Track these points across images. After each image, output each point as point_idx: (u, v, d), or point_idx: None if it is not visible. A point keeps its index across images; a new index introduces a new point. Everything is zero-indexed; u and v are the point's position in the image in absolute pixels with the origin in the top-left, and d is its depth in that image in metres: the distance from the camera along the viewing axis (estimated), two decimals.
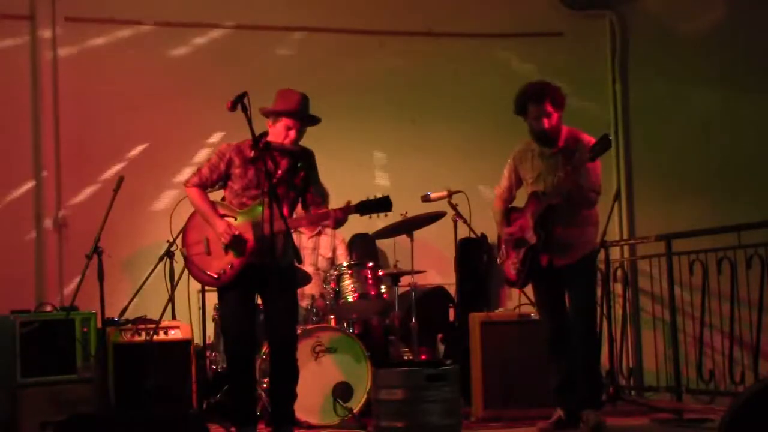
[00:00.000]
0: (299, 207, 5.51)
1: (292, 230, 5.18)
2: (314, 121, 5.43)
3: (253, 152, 5.26)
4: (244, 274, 5.23)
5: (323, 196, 5.48)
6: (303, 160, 5.37)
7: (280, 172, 5.29)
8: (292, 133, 5.31)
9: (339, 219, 5.24)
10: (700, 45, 8.17)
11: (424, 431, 5.23)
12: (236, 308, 5.30)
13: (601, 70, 8.71)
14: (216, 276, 5.28)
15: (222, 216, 5.29)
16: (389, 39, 8.36)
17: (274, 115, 5.33)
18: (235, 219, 5.29)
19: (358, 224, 7.61)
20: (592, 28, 8.75)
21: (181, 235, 5.59)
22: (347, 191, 7.54)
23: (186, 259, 5.48)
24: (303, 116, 5.34)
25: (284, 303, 5.30)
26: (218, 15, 8.00)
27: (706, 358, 7.08)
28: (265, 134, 5.27)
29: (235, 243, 5.21)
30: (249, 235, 5.21)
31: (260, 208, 5.17)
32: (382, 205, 5.23)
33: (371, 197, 5.24)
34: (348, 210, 5.22)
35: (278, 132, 5.31)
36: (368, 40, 8.31)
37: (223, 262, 5.25)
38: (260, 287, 5.33)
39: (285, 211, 5.15)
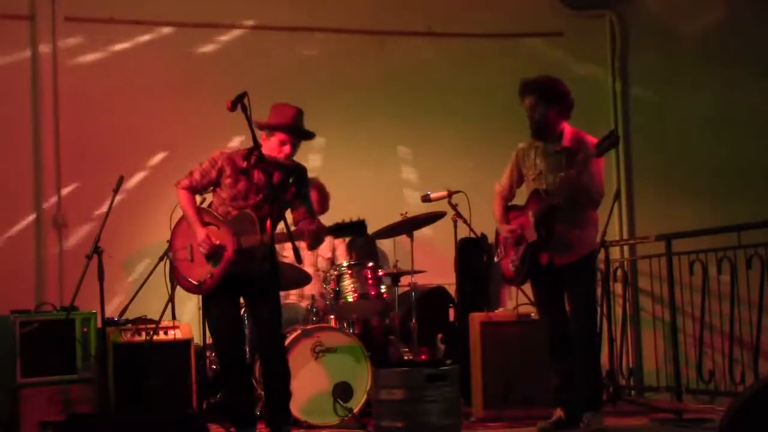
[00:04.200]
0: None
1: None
2: (308, 136, 5.39)
3: (245, 163, 5.25)
4: (225, 283, 5.21)
5: (312, 213, 5.42)
6: (295, 176, 5.34)
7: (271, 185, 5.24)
8: (287, 148, 5.28)
9: (313, 240, 5.19)
10: (700, 45, 8.17)
11: (424, 431, 5.23)
12: (222, 312, 5.29)
13: (601, 70, 8.72)
14: (196, 284, 5.28)
15: (206, 224, 5.28)
16: (389, 39, 8.37)
17: (269, 128, 5.30)
18: (218, 228, 5.27)
19: None
20: (592, 28, 8.76)
21: (169, 240, 5.57)
22: (346, 190, 7.58)
23: (171, 262, 5.47)
24: (298, 131, 5.31)
25: (267, 308, 5.28)
26: (220, 16, 8.00)
27: (706, 358, 7.09)
28: (258, 146, 5.20)
29: (214, 254, 5.20)
30: (228, 247, 5.19)
31: (243, 222, 5.16)
32: (355, 229, 5.18)
33: (346, 220, 5.16)
34: (322, 231, 5.18)
35: (272, 146, 5.28)
36: (368, 40, 8.31)
37: (204, 271, 5.25)
38: (242, 293, 5.34)
39: (270, 223, 5.13)
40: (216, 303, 5.30)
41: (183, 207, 5.39)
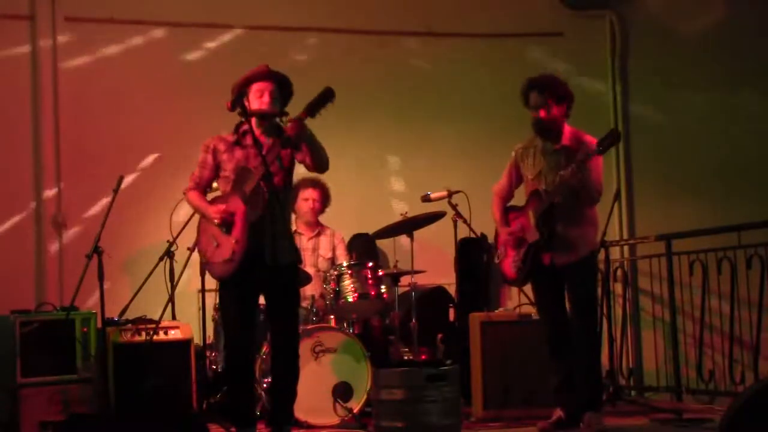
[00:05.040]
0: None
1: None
2: (284, 84, 5.32)
3: (235, 136, 5.26)
4: (246, 272, 5.18)
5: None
6: (282, 123, 5.27)
7: (264, 149, 5.20)
8: (266, 96, 5.24)
9: (300, 128, 5.10)
10: (700, 45, 8.18)
11: (424, 431, 5.23)
12: (237, 307, 5.27)
13: (601, 70, 8.72)
14: (229, 257, 5.21)
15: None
16: (389, 39, 8.37)
17: (245, 86, 5.27)
18: (227, 201, 5.27)
19: (358, 224, 7.67)
20: (592, 28, 8.75)
21: (195, 245, 5.57)
22: (346, 190, 7.58)
23: (206, 265, 5.46)
24: (269, 75, 5.28)
25: (287, 303, 5.30)
26: (218, 16, 7.99)
27: (706, 358, 7.09)
28: (246, 117, 5.17)
29: (227, 219, 5.20)
30: (239, 205, 5.18)
31: (241, 176, 5.18)
32: (325, 96, 5.10)
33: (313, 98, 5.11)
34: (300, 119, 5.10)
35: (252, 102, 5.25)
36: (368, 40, 8.31)
37: (230, 243, 5.22)
38: (263, 286, 5.31)
39: (280, 182, 5.15)
40: (232, 296, 5.28)
41: (193, 204, 5.41)
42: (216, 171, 5.36)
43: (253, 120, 5.24)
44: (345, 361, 6.18)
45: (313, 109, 5.10)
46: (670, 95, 8.40)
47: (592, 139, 5.61)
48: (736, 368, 6.71)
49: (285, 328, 5.31)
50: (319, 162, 5.31)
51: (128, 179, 6.37)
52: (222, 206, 5.24)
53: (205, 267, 5.58)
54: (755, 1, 7.87)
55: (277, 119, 5.29)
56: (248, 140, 5.22)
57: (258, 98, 5.25)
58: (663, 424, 6.06)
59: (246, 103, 5.15)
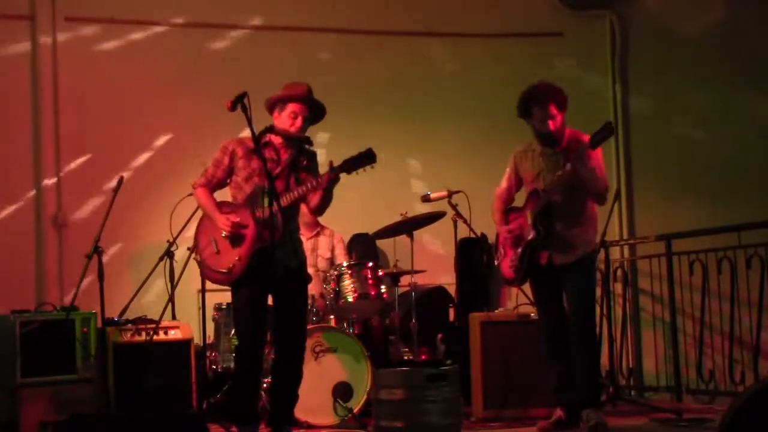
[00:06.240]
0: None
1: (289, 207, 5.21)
2: (320, 111, 5.40)
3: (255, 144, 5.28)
4: (256, 267, 5.18)
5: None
6: (306, 146, 5.31)
7: (282, 164, 5.26)
8: (299, 121, 5.28)
9: (331, 181, 5.18)
10: (700, 45, 8.18)
11: (424, 431, 5.23)
12: (249, 306, 5.26)
13: (601, 70, 8.72)
14: (226, 271, 5.25)
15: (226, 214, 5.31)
16: (389, 39, 8.37)
17: (281, 102, 5.31)
18: (237, 212, 5.28)
19: (358, 224, 7.67)
20: (592, 28, 8.76)
21: (193, 242, 5.58)
22: (347, 190, 7.57)
23: (199, 263, 5.49)
24: (310, 101, 5.33)
25: (295, 305, 5.32)
26: (219, 15, 8.00)
27: (706, 358, 7.09)
28: (270, 127, 5.22)
29: (237, 235, 5.22)
30: (250, 224, 5.21)
31: (257, 195, 5.20)
32: (366, 157, 5.17)
33: (353, 155, 5.16)
34: (334, 171, 5.16)
35: (284, 120, 5.29)
36: (368, 40, 8.31)
37: (231, 257, 5.24)
38: (273, 288, 5.31)
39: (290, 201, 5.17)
40: (244, 295, 5.27)
41: (200, 202, 5.42)
42: (229, 173, 5.38)
43: (275, 122, 5.30)
44: (345, 361, 6.18)
45: (351, 167, 5.18)
46: (670, 95, 8.40)
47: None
48: (736, 368, 6.72)
49: (290, 330, 5.32)
50: (321, 209, 5.43)
51: (128, 179, 6.36)
52: (234, 218, 5.24)
53: (199, 265, 5.58)
54: (755, 1, 7.87)
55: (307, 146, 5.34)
56: (267, 154, 5.23)
57: (291, 119, 5.29)
58: (663, 424, 6.06)
59: (246, 103, 5.14)
